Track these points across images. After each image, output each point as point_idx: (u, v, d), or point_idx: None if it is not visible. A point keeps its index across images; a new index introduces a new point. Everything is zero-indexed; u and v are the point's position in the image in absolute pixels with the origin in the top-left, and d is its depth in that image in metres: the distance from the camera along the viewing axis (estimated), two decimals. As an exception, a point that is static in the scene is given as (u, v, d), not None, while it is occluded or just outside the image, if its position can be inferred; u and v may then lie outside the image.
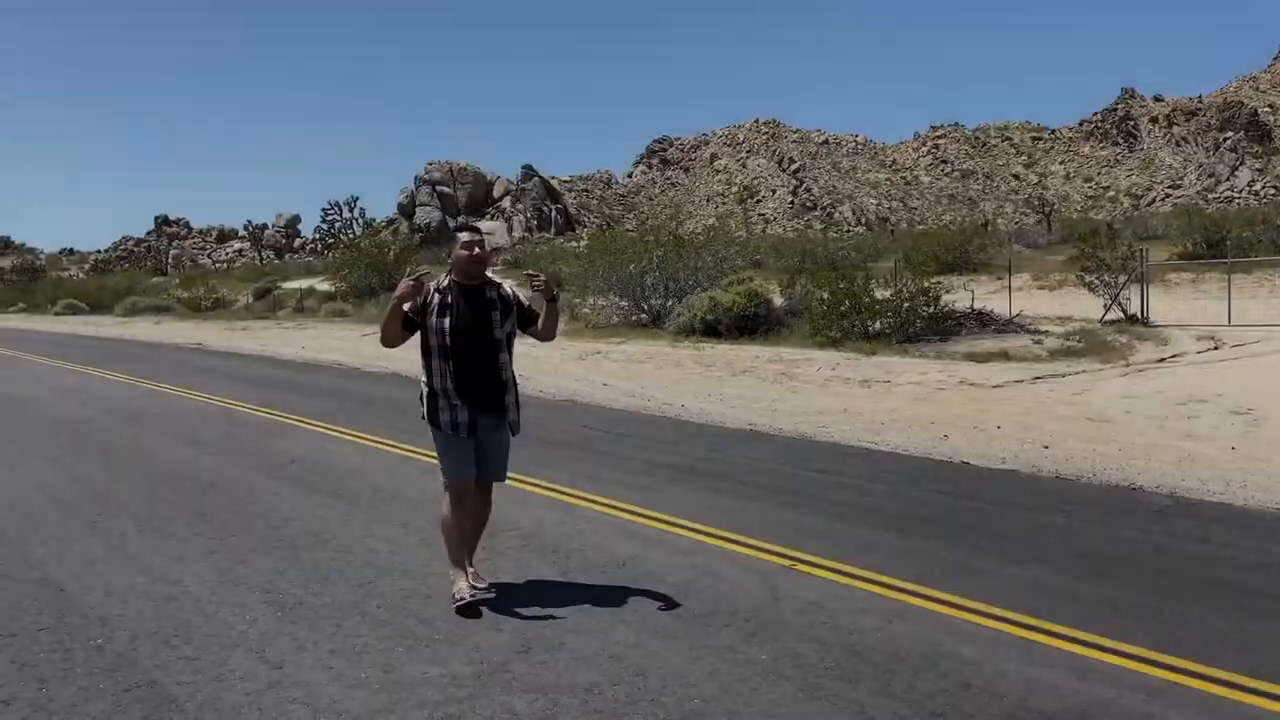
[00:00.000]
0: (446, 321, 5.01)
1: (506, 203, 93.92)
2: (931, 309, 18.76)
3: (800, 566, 5.66)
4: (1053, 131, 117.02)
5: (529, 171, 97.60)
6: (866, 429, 10.48)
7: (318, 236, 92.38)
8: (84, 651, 4.52)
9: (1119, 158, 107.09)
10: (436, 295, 5.09)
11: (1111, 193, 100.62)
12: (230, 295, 54.06)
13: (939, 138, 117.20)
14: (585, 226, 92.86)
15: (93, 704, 3.97)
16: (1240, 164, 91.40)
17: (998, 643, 4.50)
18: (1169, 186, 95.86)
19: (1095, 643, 4.45)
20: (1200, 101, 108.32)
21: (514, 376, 5.27)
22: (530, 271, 5.56)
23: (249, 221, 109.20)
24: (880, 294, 19.31)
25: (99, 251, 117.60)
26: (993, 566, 5.67)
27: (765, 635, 4.60)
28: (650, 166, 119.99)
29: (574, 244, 64.95)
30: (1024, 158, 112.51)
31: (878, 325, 18.76)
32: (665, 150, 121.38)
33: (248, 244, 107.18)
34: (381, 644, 4.55)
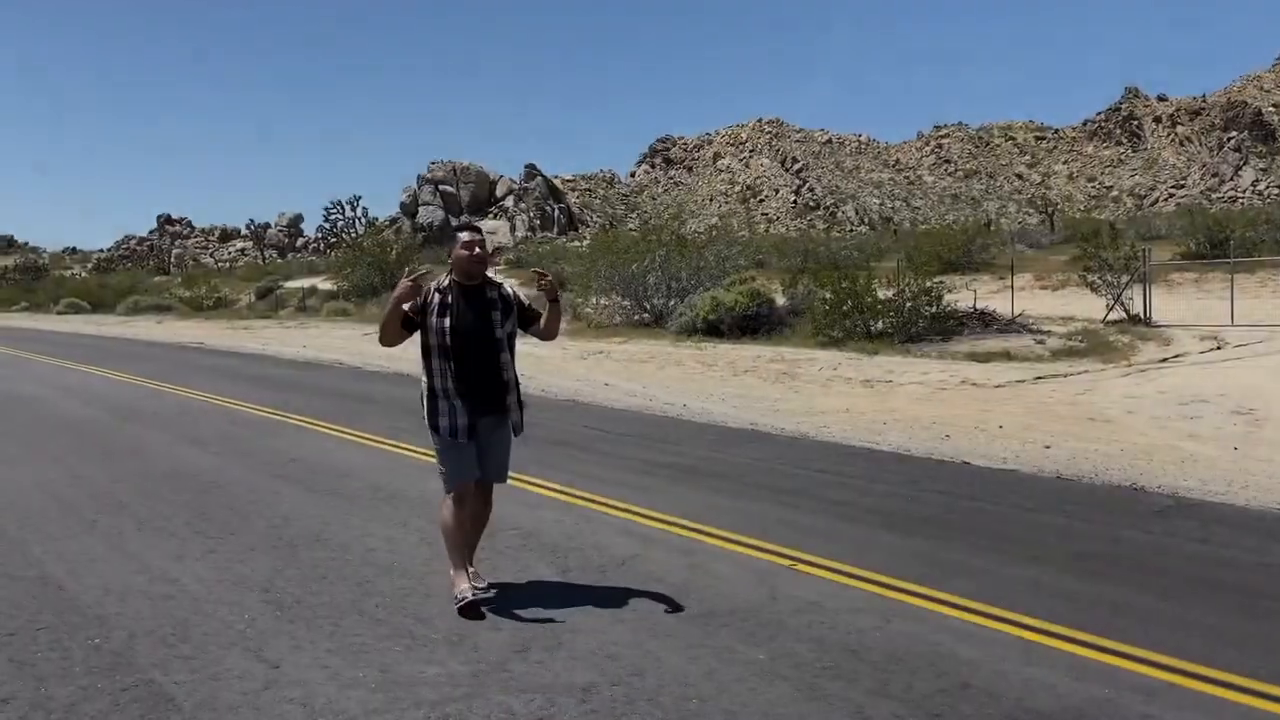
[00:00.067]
0: (447, 321, 5.00)
1: (509, 202, 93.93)
2: (934, 309, 18.75)
3: (800, 566, 5.65)
4: (1056, 131, 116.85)
5: (532, 171, 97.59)
6: (868, 429, 10.47)
7: (320, 236, 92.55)
8: (82, 650, 4.51)
9: (1122, 157, 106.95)
10: (437, 295, 5.07)
11: (1115, 192, 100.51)
12: (232, 294, 54.13)
13: (942, 137, 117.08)
14: (588, 226, 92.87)
15: (90, 703, 3.97)
16: (1244, 164, 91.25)
17: (996, 643, 4.49)
18: (1173, 186, 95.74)
19: (1094, 643, 4.44)
20: (1204, 101, 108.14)
21: (516, 376, 5.25)
22: (537, 270, 5.56)
23: (251, 220, 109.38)
24: (883, 294, 19.30)
25: (101, 251, 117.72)
26: (992, 566, 5.66)
27: (764, 635, 4.59)
28: (653, 166, 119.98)
29: (577, 243, 64.98)
30: (1027, 157, 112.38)
31: (880, 325, 18.76)
32: (668, 149, 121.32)
33: (250, 243, 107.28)
34: (379, 643, 4.54)
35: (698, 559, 5.83)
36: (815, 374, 15.20)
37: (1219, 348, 16.66)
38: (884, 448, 9.48)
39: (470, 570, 5.23)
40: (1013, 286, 26.06)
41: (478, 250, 5.12)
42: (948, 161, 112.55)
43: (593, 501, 7.29)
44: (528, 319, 5.29)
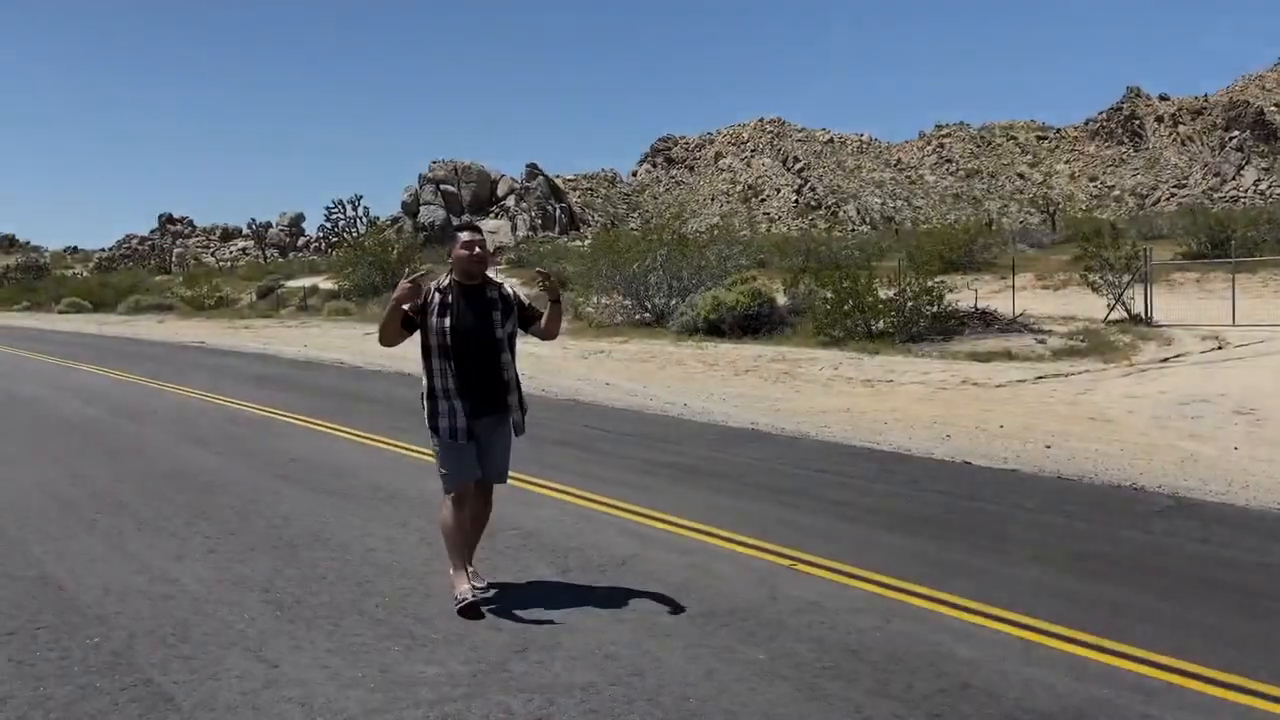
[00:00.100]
0: (447, 321, 4.98)
1: (511, 201, 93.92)
2: (935, 308, 18.75)
3: (800, 566, 5.65)
4: (1058, 130, 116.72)
5: (533, 170, 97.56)
6: (869, 429, 10.46)
7: (321, 235, 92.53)
8: (81, 650, 4.51)
9: (1124, 157, 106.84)
10: (437, 295, 5.06)
11: (1116, 192, 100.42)
12: (234, 294, 54.13)
13: (944, 137, 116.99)
14: (590, 225, 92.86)
15: (89, 702, 3.97)
16: (1246, 163, 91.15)
17: (996, 643, 4.48)
18: (1174, 186, 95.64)
19: (1094, 643, 4.43)
20: (1206, 100, 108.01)
21: (517, 376, 5.24)
22: (541, 269, 5.55)
23: (253, 220, 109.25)
24: (884, 293, 19.29)
25: (103, 250, 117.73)
26: (992, 566, 5.66)
27: (763, 635, 4.59)
28: (655, 165, 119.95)
29: (578, 243, 64.94)
30: (1029, 157, 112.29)
31: (881, 325, 18.76)
32: (670, 149, 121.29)
33: (251, 242, 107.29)
34: (379, 643, 4.54)
35: (698, 559, 5.83)
36: (816, 374, 15.20)
37: (1220, 348, 16.65)
38: (885, 447, 9.47)
39: (470, 570, 5.23)
40: (1014, 286, 26.04)
41: (478, 250, 5.11)
42: (949, 161, 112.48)
43: (593, 501, 7.29)
44: (528, 319, 5.28)
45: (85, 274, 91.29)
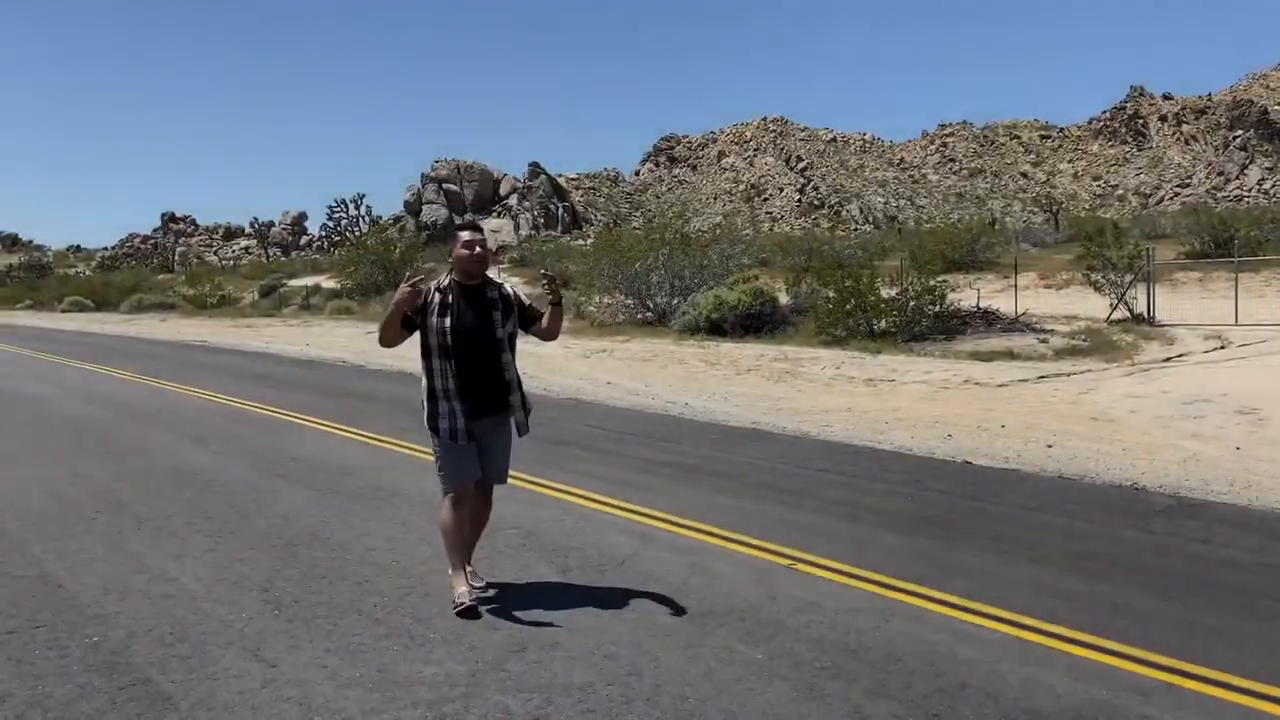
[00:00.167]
0: (447, 321, 4.96)
1: (513, 200, 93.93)
2: (937, 308, 18.72)
3: (799, 566, 5.64)
4: (1061, 130, 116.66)
5: (536, 169, 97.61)
6: (870, 428, 10.45)
7: (324, 234, 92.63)
8: (80, 649, 4.52)
9: (1128, 156, 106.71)
10: (437, 294, 5.03)
11: (1120, 191, 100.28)
12: (236, 292, 54.17)
13: (947, 136, 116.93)
14: (592, 224, 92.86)
15: (87, 701, 3.97)
16: (1250, 162, 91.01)
17: (995, 643, 4.48)
18: (1178, 185, 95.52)
19: (1093, 643, 4.42)
20: (1210, 99, 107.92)
21: (518, 376, 5.22)
22: (543, 271, 5.54)
23: (255, 219, 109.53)
24: (886, 293, 19.28)
25: (105, 249, 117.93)
26: (992, 566, 5.65)
27: (762, 635, 4.58)
28: (657, 164, 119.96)
29: (580, 242, 64.95)
30: (1032, 156, 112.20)
31: (883, 324, 18.75)
32: (672, 148, 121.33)
33: (254, 241, 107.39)
34: (377, 643, 4.54)
35: (697, 558, 5.82)
36: (818, 373, 15.19)
37: (1223, 347, 16.62)
38: (886, 447, 9.46)
39: (469, 569, 5.23)
40: (1016, 285, 25.99)
41: (478, 250, 5.09)
42: (952, 160, 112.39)
43: (593, 500, 7.28)
44: (529, 319, 5.26)
45: (88, 273, 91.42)
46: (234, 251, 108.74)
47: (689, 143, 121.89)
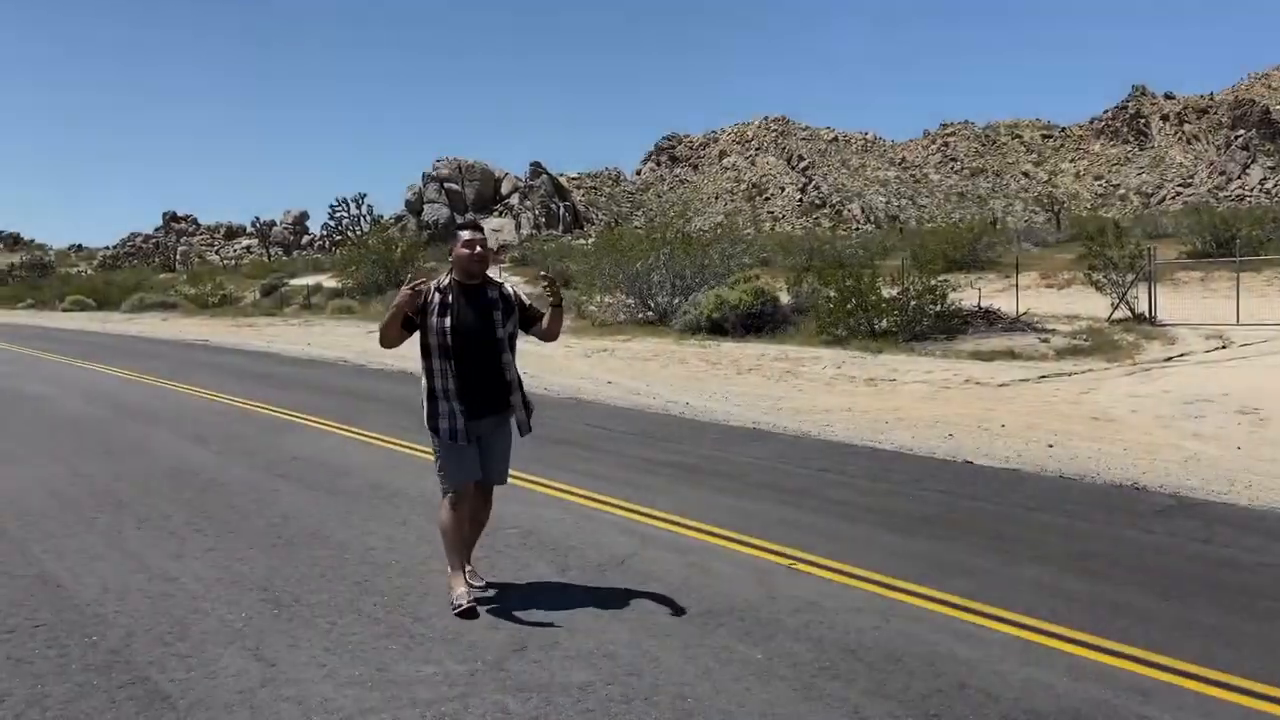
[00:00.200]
0: (447, 321, 4.94)
1: (515, 200, 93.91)
2: (938, 307, 18.71)
3: (799, 566, 5.64)
4: (1063, 129, 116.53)
5: (537, 168, 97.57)
6: (871, 428, 10.44)
7: (325, 233, 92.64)
8: (79, 648, 4.52)
9: (1129, 155, 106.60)
10: (437, 294, 5.01)
11: (1122, 191, 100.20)
12: (237, 292, 54.16)
13: (948, 135, 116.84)
14: (593, 224, 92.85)
15: (86, 700, 3.97)
16: (1252, 162, 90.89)
17: (995, 643, 4.47)
18: (1180, 185, 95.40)
19: (1093, 643, 4.42)
20: (1212, 99, 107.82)
21: (519, 376, 5.22)
22: (544, 273, 5.54)
23: (257, 218, 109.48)
24: (887, 292, 19.26)
25: (107, 248, 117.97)
26: (992, 566, 5.64)
27: (761, 634, 4.58)
28: (659, 164, 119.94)
29: (582, 241, 64.94)
30: (1034, 156, 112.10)
31: (884, 323, 18.73)
32: (674, 147, 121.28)
33: (255, 240, 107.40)
34: (376, 642, 4.54)
35: (697, 558, 5.82)
36: (819, 372, 15.18)
37: (1224, 347, 16.61)
38: (887, 446, 9.45)
39: (468, 569, 5.23)
40: (1017, 285, 25.95)
41: (479, 249, 5.07)
42: (954, 159, 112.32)
43: (593, 500, 7.28)
44: (529, 320, 5.25)
45: (89, 272, 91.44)
46: (235, 251, 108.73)
47: (690, 142, 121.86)
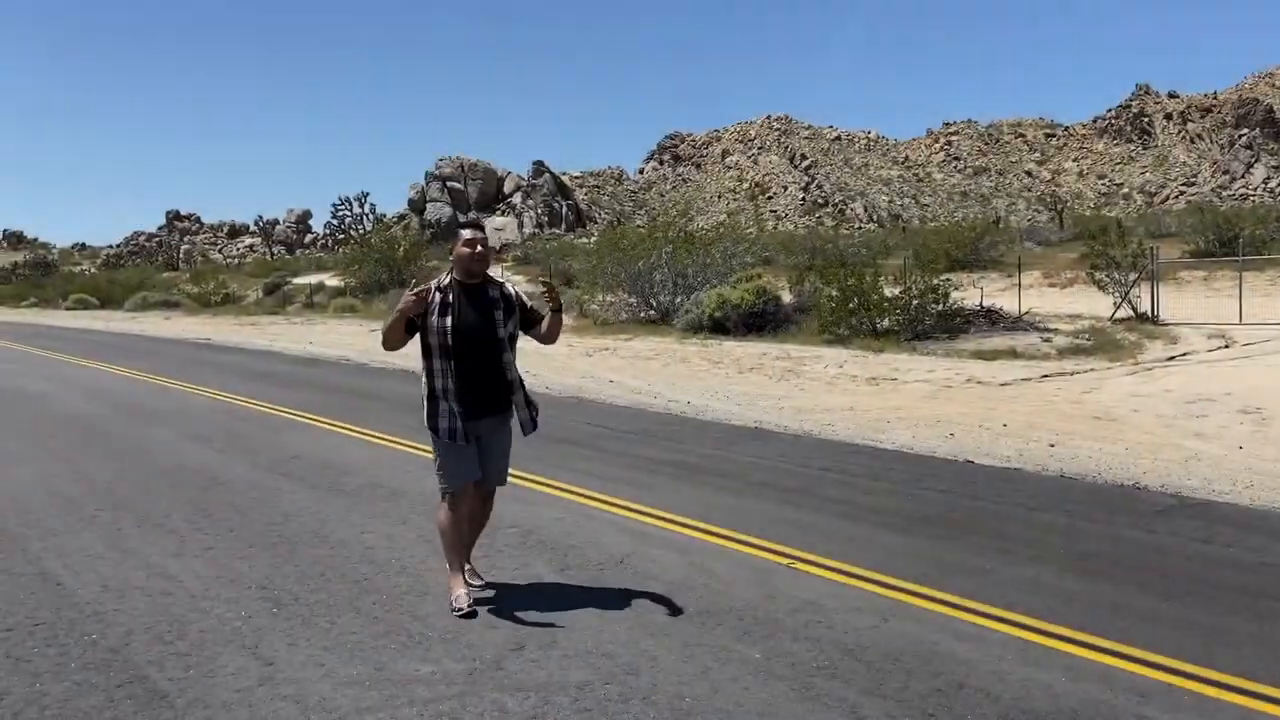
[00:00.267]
0: (448, 321, 4.92)
1: (517, 199, 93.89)
2: (940, 306, 18.69)
3: (798, 565, 5.63)
4: (1066, 128, 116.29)
5: (540, 167, 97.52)
6: (872, 427, 10.43)
7: (328, 232, 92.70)
8: (78, 647, 4.52)
9: (1133, 155, 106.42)
10: (437, 294, 4.99)
11: (1125, 190, 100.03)
12: (240, 290, 54.22)
13: (951, 134, 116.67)
14: (596, 223, 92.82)
15: (84, 699, 3.97)
16: (1255, 161, 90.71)
17: (994, 643, 4.46)
18: (1183, 184, 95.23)
19: (1093, 643, 4.41)
20: (1215, 98, 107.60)
21: (519, 376, 5.20)
22: (544, 279, 5.53)
23: (260, 217, 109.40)
24: (889, 291, 19.24)
25: (110, 247, 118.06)
26: (992, 566, 5.63)
27: (760, 634, 4.57)
28: (661, 163, 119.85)
29: (584, 240, 64.91)
30: (1037, 154, 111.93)
31: (886, 323, 18.72)
32: (677, 146, 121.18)
33: (258, 239, 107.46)
34: (375, 641, 4.54)
35: (696, 557, 5.82)
36: (820, 371, 15.17)
37: (1227, 346, 16.58)
38: (887, 446, 9.44)
39: (467, 568, 5.22)
40: (1020, 284, 25.96)
41: (480, 248, 5.05)
42: (957, 158, 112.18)
43: (593, 499, 7.28)
44: (529, 321, 5.22)
45: (93, 270, 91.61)
46: (238, 249, 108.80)
47: (693, 141, 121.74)
